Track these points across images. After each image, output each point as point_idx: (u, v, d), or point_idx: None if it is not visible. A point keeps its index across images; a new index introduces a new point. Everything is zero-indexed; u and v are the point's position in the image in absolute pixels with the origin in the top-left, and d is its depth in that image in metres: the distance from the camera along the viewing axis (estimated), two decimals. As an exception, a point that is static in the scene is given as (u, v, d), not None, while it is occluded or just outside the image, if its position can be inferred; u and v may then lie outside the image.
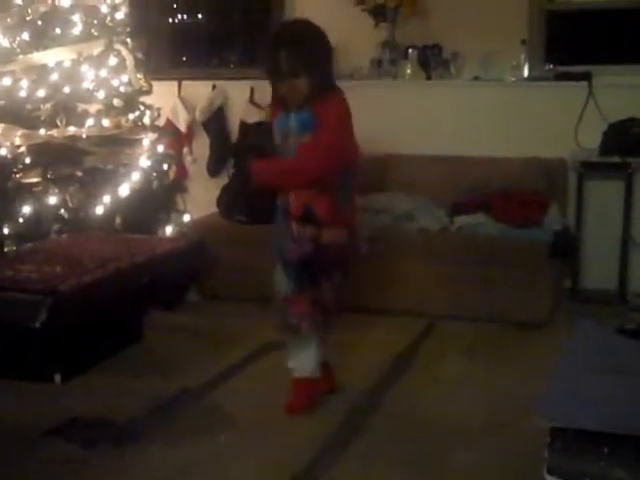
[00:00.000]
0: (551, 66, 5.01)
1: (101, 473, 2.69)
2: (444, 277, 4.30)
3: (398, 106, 5.18)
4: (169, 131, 5.24)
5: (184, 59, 5.99)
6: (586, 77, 4.80)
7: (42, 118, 4.13)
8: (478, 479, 2.66)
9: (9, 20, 4.05)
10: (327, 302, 3.17)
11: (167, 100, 5.29)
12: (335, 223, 3.09)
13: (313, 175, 3.08)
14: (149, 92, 4.78)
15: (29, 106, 4.09)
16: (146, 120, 4.69)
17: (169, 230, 4.61)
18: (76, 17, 4.31)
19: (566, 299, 4.61)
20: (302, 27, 3.23)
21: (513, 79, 4.98)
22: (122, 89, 4.57)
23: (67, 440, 2.90)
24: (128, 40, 4.63)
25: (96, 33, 4.43)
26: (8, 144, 3.91)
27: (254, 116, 5.32)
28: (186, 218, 4.76)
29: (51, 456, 2.79)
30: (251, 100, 5.40)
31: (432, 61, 5.11)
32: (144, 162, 4.54)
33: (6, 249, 3.78)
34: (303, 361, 3.22)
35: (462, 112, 5.07)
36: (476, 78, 5.05)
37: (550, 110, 4.88)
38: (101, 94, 4.43)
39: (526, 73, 4.99)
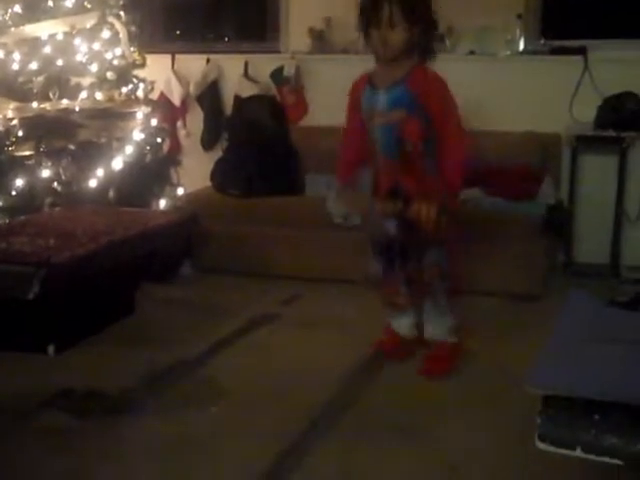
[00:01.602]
0: (546, 41, 4.99)
1: (95, 443, 2.70)
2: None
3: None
4: (163, 104, 5.22)
5: (178, 32, 5.95)
6: (581, 51, 4.79)
7: (35, 91, 4.11)
8: (471, 449, 2.67)
9: (1, -8, 4.02)
10: (427, 277, 3.16)
11: (161, 74, 5.27)
12: (424, 195, 2.96)
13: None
14: (143, 65, 4.77)
15: (21, 79, 4.07)
16: (140, 93, 4.68)
17: (163, 203, 4.61)
18: (69, -11, 4.29)
19: (559, 273, 4.62)
20: None
21: (508, 53, 4.97)
22: (115, 62, 4.56)
23: (61, 411, 2.90)
24: (121, 13, 4.62)
25: (89, 6, 4.42)
26: (0, 117, 3.90)
27: (248, 90, 5.30)
28: (180, 191, 4.76)
29: (45, 427, 2.80)
30: (245, 74, 5.38)
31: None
32: (138, 135, 4.54)
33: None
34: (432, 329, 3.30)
35: (457, 86, 5.01)
36: (471, 52, 5.03)
37: (545, 84, 4.87)
38: (94, 67, 4.42)
39: (521, 47, 4.97)
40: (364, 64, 5.17)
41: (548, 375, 1.99)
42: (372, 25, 3.01)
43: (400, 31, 2.96)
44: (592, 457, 1.84)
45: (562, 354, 2.12)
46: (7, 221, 3.78)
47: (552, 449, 1.87)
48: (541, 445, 1.88)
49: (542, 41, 5.00)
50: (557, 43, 4.93)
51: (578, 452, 1.85)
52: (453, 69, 5.11)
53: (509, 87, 4.95)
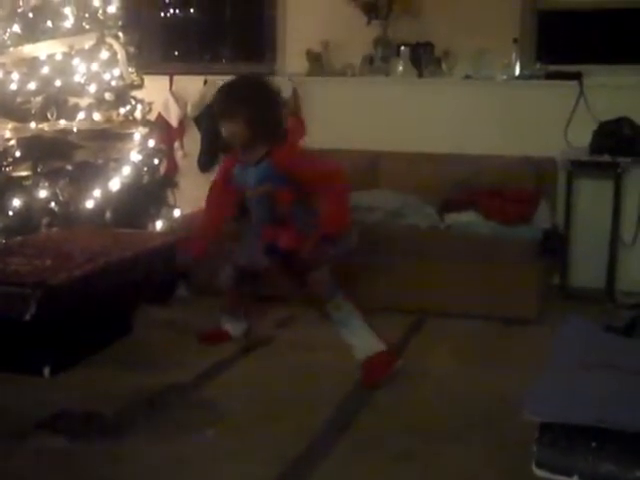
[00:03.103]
0: (542, 65, 5.02)
1: (89, 466, 2.69)
2: (433, 274, 4.31)
3: (390, 103, 5.20)
4: (160, 126, 5.24)
5: (176, 54, 5.99)
6: (577, 77, 4.83)
7: (33, 111, 4.13)
8: (467, 474, 2.67)
9: (0, 12, 4.04)
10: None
11: (159, 95, 5.29)
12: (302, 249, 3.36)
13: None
14: (140, 86, 4.78)
15: (20, 99, 4.09)
16: (137, 114, 4.70)
17: (159, 225, 4.61)
18: (68, 10, 4.32)
19: (554, 297, 4.62)
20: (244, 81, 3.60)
21: (504, 77, 5.00)
22: (113, 83, 4.57)
23: (56, 433, 2.88)
24: (120, 34, 4.64)
25: (88, 26, 4.43)
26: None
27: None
28: (176, 213, 4.76)
29: (40, 449, 2.78)
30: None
31: (424, 59, 5.13)
32: (135, 156, 4.55)
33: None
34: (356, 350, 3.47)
35: (453, 110, 5.08)
36: (467, 76, 5.07)
37: (541, 109, 4.90)
38: (92, 88, 4.43)
39: (517, 72, 5.01)
40: (362, 86, 5.26)
41: (545, 402, 1.99)
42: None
43: (235, 124, 3.36)
44: (589, 484, 1.84)
45: (558, 380, 2.13)
46: (4, 241, 3.78)
47: (549, 476, 1.87)
48: (538, 472, 1.88)
49: (538, 66, 5.04)
50: (553, 68, 4.97)
51: (575, 479, 1.85)
52: (449, 93, 5.20)
53: (505, 111, 4.98)
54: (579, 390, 2.03)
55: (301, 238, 3.38)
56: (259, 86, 3.53)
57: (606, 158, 4.53)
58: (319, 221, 3.34)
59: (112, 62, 4.57)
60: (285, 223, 3.45)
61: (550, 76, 4.93)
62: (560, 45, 5.20)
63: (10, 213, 3.87)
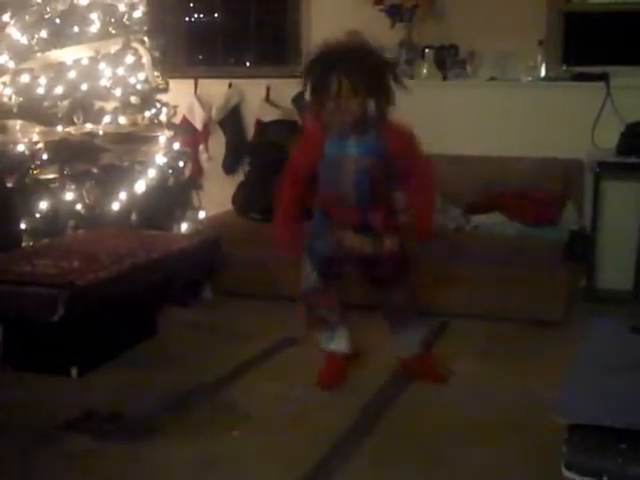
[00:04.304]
0: (568, 67, 4.99)
1: (116, 467, 2.70)
2: (459, 276, 4.29)
3: (414, 106, 5.16)
4: (185, 129, 5.25)
5: (200, 57, 6.00)
6: (603, 78, 4.79)
7: (59, 115, 4.17)
8: (496, 476, 2.65)
9: (28, 18, 4.08)
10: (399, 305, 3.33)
11: (184, 98, 5.31)
12: (390, 232, 3.16)
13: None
14: (166, 90, 4.81)
15: (47, 103, 4.13)
16: (162, 118, 4.72)
17: (184, 227, 4.63)
18: (94, 15, 4.35)
19: (581, 299, 4.59)
20: (359, 44, 3.08)
21: (530, 79, 4.97)
22: (139, 87, 4.60)
23: (83, 433, 2.90)
24: (145, 38, 4.66)
25: (114, 31, 4.46)
26: (26, 141, 3.95)
27: (270, 115, 5.33)
28: (201, 215, 4.78)
29: (66, 449, 2.80)
30: (267, 99, 5.41)
31: (448, 61, 5.11)
32: (160, 159, 4.57)
33: (24, 244, 3.81)
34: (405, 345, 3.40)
35: (478, 112, 5.06)
36: (492, 78, 5.04)
37: (567, 110, 4.86)
38: (118, 92, 4.46)
39: (543, 73, 4.97)
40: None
41: (574, 403, 1.98)
42: (324, 96, 3.03)
43: (353, 102, 3.01)
44: (619, 486, 1.82)
45: (587, 382, 2.11)
46: (31, 244, 3.82)
47: (578, 478, 1.86)
48: (567, 474, 1.86)
49: (564, 67, 5.00)
50: (579, 69, 4.93)
51: (604, 481, 1.83)
52: (474, 95, 5.18)
53: (531, 113, 4.95)
54: (608, 391, 2.01)
55: (394, 220, 3.20)
56: (376, 54, 3.13)
57: (633, 159, 4.49)
58: (416, 220, 3.18)
59: (137, 66, 4.60)
60: (379, 202, 3.17)
61: (576, 78, 4.90)
62: (586, 46, 5.16)
63: (37, 215, 3.91)
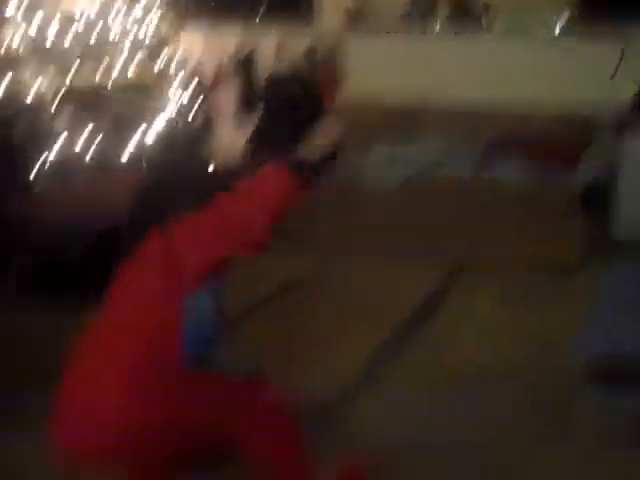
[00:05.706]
0: (584, 23, 4.95)
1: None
2: (476, 223, 4.28)
3: (428, 60, 5.16)
4: (196, 79, 5.26)
5: (211, 9, 5.99)
6: (619, 35, 4.75)
7: (69, 67, 4.18)
8: (518, 412, 2.66)
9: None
10: None
11: (194, 49, 5.31)
12: None
13: None
14: (176, 42, 4.81)
15: (57, 55, 4.14)
16: (172, 69, 4.73)
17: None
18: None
19: (597, 247, 4.56)
20: None
21: (546, 35, 4.94)
22: (149, 39, 4.60)
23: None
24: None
25: (124, -19, 4.46)
26: (36, 91, 3.98)
27: (282, 68, 5.33)
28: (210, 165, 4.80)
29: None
30: (279, 52, 5.40)
31: (463, 14, 5.09)
32: (170, 109, 4.59)
33: (36, 190, 3.86)
34: None
35: (492, 66, 5.03)
36: (508, 32, 5.00)
37: (583, 66, 4.83)
38: (127, 44, 4.47)
39: (558, 30, 4.94)
40: (400, 44, 5.21)
41: (594, 338, 2.00)
42: None
43: None
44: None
45: (609, 319, 2.14)
46: (44, 189, 3.86)
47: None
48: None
49: (579, 24, 4.97)
50: (594, 26, 4.89)
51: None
52: (488, 49, 5.13)
53: (546, 68, 4.91)
54: (628, 328, 2.04)
55: None
56: None
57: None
58: None
59: (148, 17, 4.60)
60: None
61: (592, 34, 4.86)
62: (602, 4, 5.12)
63: (48, 164, 3.95)
